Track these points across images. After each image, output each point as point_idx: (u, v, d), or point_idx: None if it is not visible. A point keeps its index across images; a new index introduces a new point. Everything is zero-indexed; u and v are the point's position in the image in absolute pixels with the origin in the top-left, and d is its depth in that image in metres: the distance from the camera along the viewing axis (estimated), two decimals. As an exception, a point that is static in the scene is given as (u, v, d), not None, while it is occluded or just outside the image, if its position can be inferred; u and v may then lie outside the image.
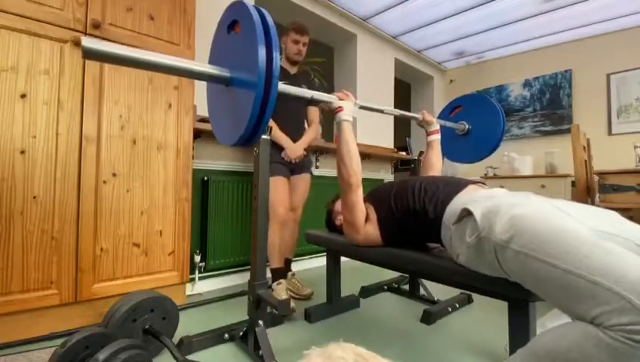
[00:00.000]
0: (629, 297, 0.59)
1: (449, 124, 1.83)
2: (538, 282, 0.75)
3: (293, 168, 1.96)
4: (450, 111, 1.95)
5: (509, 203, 0.88)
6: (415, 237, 1.20)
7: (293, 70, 2.01)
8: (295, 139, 1.95)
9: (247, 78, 0.81)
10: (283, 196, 1.87)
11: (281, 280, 1.82)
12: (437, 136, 1.65)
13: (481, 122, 1.83)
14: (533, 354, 0.71)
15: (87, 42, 0.71)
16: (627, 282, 0.60)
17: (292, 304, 1.65)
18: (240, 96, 0.85)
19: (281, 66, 1.98)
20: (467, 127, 1.86)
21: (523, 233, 0.78)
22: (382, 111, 1.47)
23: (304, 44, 1.96)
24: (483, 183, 1.17)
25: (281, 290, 1.78)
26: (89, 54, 0.72)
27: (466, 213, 0.95)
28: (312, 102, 2.06)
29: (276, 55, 0.77)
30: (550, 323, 1.17)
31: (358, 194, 1.25)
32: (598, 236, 0.71)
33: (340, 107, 1.26)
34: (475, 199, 0.99)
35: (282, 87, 1.04)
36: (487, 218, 0.88)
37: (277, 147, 1.89)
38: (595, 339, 0.60)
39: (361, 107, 1.36)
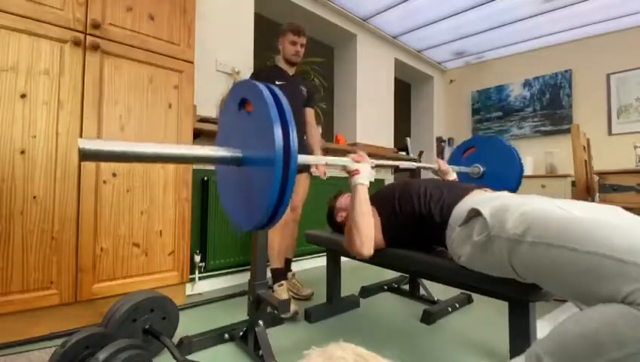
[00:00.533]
0: None
1: (464, 169, 1.81)
2: (556, 271, 0.73)
3: None
4: (464, 152, 1.93)
5: (517, 202, 0.89)
6: (419, 239, 1.20)
7: (291, 71, 2.00)
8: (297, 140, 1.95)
9: (263, 158, 0.77)
10: None
11: (283, 282, 1.81)
12: None
13: (496, 165, 1.78)
14: (557, 342, 0.70)
15: (84, 143, 0.65)
16: None
17: (294, 307, 1.63)
18: (255, 177, 0.81)
19: (279, 67, 1.97)
20: (482, 170, 1.83)
21: (537, 225, 0.78)
22: (397, 167, 1.47)
23: (301, 45, 1.95)
24: (486, 188, 1.18)
25: (282, 292, 1.77)
26: (88, 156, 0.66)
27: (475, 214, 0.95)
28: (309, 103, 2.07)
29: (293, 135, 0.74)
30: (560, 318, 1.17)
31: (368, 254, 1.19)
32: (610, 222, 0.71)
33: (357, 170, 1.19)
34: (481, 201, 1.00)
35: (300, 158, 0.97)
36: (497, 216, 0.88)
37: None
38: (629, 317, 0.59)
39: (377, 166, 1.30)
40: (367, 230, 1.16)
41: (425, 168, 1.64)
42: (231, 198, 0.97)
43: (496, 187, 1.72)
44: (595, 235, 0.68)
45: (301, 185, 2.01)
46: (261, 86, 0.79)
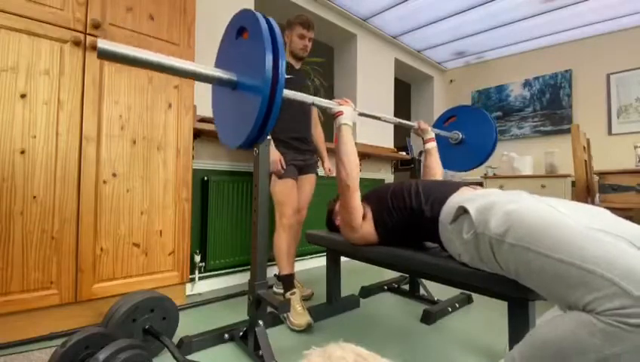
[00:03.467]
0: (620, 283, 0.61)
1: (443, 132, 1.89)
2: (532, 273, 0.77)
3: (301, 168, 1.90)
4: (445, 121, 2.01)
5: (503, 200, 0.91)
6: (412, 235, 1.22)
7: (297, 65, 1.94)
8: (303, 137, 1.91)
9: (254, 83, 0.84)
10: (293, 198, 1.77)
11: (295, 290, 1.65)
12: (433, 144, 1.72)
13: (474, 133, 1.90)
14: (530, 347, 0.74)
15: (103, 43, 0.74)
16: (617, 269, 0.63)
17: (309, 320, 1.49)
18: (246, 100, 0.88)
19: (286, 61, 1.89)
20: (461, 136, 1.93)
21: (517, 227, 0.81)
22: (379, 118, 1.51)
23: (309, 40, 1.87)
24: (476, 185, 1.19)
25: (295, 302, 1.57)
26: (104, 55, 0.76)
27: (462, 211, 0.98)
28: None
29: (282, 63, 0.81)
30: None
31: (355, 197, 1.26)
32: (588, 230, 0.73)
33: (340, 111, 1.29)
34: (469, 198, 1.01)
35: (286, 92, 1.06)
36: (483, 214, 0.90)
37: (287, 147, 1.82)
38: (589, 325, 0.63)
39: (360, 114, 1.39)
40: (352, 165, 1.26)
41: (405, 125, 1.68)
42: (223, 118, 1.05)
43: (474, 152, 1.89)
44: (568, 243, 0.71)
45: (308, 186, 1.96)
46: (259, 16, 0.84)
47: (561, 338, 0.66)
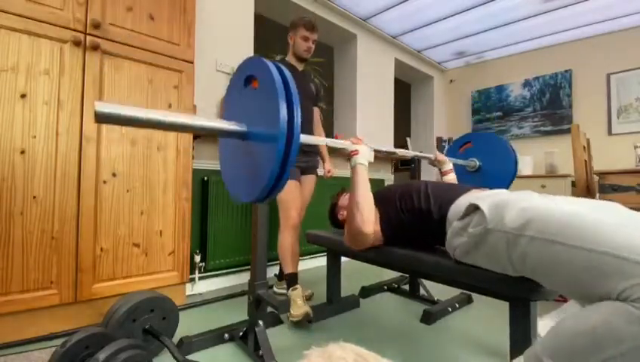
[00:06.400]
0: None
1: (460, 161, 1.84)
2: (554, 267, 0.75)
3: (303, 169, 1.91)
4: (460, 147, 1.96)
5: (516, 198, 0.90)
6: (419, 237, 1.21)
7: (300, 67, 1.94)
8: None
9: (266, 133, 0.79)
10: (296, 200, 1.80)
11: (297, 286, 1.68)
12: (452, 176, 1.66)
13: (491, 160, 1.82)
14: (558, 341, 0.71)
15: (100, 106, 0.69)
16: None
17: (307, 309, 1.53)
18: (257, 151, 0.83)
19: (289, 63, 1.89)
20: (478, 164, 1.86)
21: (537, 220, 0.79)
22: (395, 153, 1.48)
23: (313, 41, 1.88)
24: (485, 188, 1.19)
25: (297, 296, 1.62)
26: (101, 118, 0.70)
27: (473, 209, 0.96)
28: (317, 103, 2.06)
29: (297, 111, 0.76)
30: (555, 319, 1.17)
31: (370, 238, 1.22)
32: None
33: (356, 150, 1.22)
34: (480, 196, 1.00)
35: (303, 138, 0.98)
36: (496, 211, 0.89)
37: None
38: (625, 313, 0.61)
39: (375, 150, 1.32)
40: (368, 208, 1.19)
41: (422, 157, 1.66)
42: (232, 171, 1.00)
43: (492, 180, 1.78)
44: (597, 233, 0.69)
45: (308, 187, 1.98)
46: (268, 62, 0.80)
47: (595, 329, 0.65)
